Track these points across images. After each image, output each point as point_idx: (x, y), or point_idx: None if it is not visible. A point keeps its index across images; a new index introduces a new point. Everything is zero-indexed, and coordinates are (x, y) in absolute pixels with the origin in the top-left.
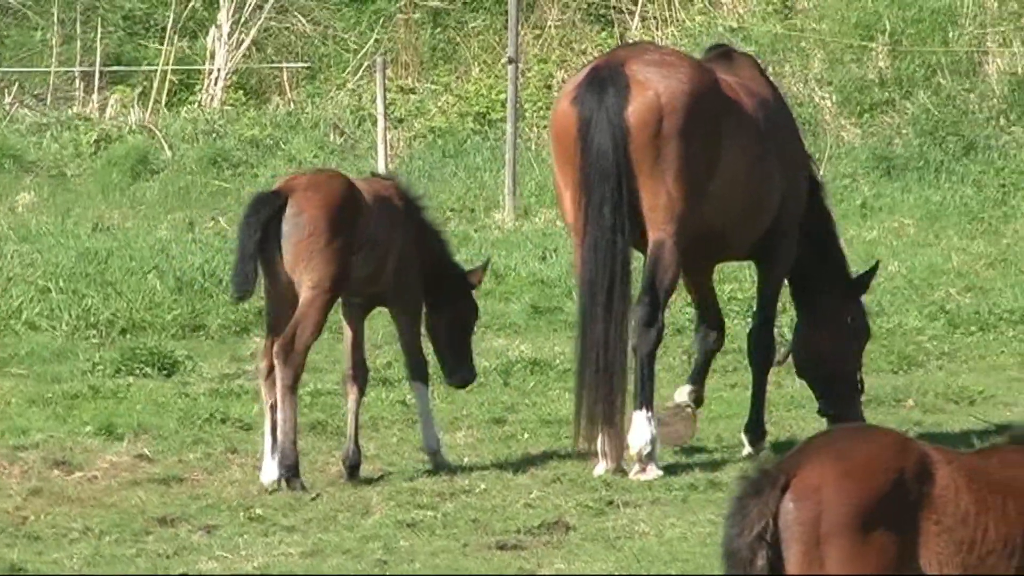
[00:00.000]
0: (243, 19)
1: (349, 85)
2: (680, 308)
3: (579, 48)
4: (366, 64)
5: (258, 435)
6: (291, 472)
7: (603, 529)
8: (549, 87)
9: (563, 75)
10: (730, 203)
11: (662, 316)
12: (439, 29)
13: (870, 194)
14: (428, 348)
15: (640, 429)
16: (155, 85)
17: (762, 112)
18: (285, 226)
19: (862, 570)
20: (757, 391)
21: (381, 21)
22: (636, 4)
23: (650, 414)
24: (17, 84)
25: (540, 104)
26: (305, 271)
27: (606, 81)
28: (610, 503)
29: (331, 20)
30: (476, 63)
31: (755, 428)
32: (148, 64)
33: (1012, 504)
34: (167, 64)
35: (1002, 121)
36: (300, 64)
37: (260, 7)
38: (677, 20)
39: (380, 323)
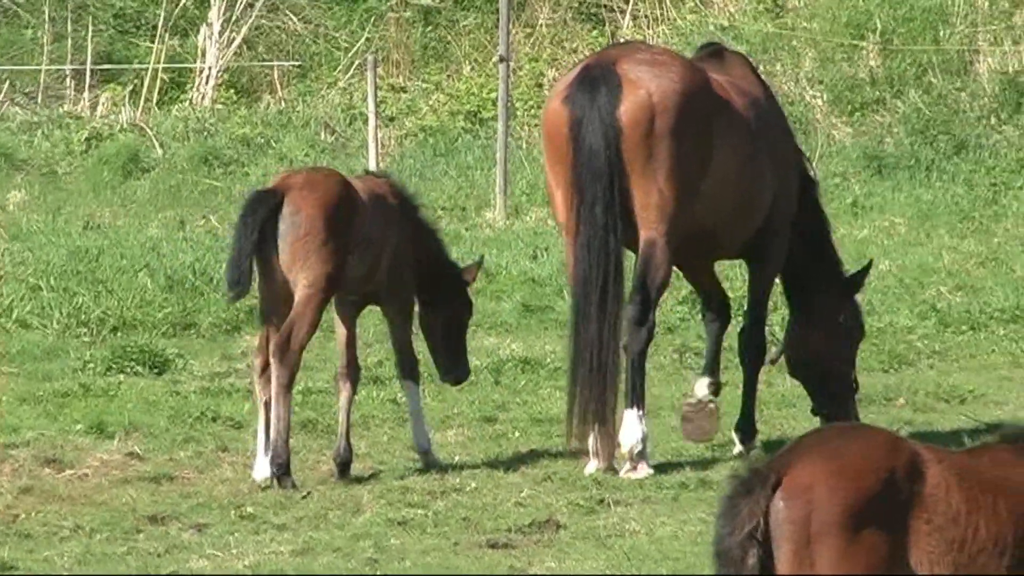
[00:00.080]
0: (234, 17)
1: (340, 84)
2: (671, 307)
3: (570, 47)
4: (357, 63)
5: (249, 433)
6: (282, 471)
7: (594, 528)
8: (540, 86)
9: (554, 74)
10: (722, 202)
11: (653, 315)
12: (430, 27)
13: (861, 193)
14: (420, 347)
15: (631, 427)
16: (146, 83)
17: (753, 111)
18: (282, 225)
19: (853, 569)
20: (748, 390)
21: (372, 19)
22: (627, 3)
23: (641, 412)
24: (8, 82)
25: (531, 103)
26: (301, 270)
27: (598, 80)
28: (601, 502)
29: (322, 18)
30: (467, 61)
31: (746, 427)
32: (139, 62)
33: (1003, 503)
34: (158, 62)
35: (993, 120)
36: (291, 63)
37: (251, 5)
38: (668, 19)
39: (371, 322)
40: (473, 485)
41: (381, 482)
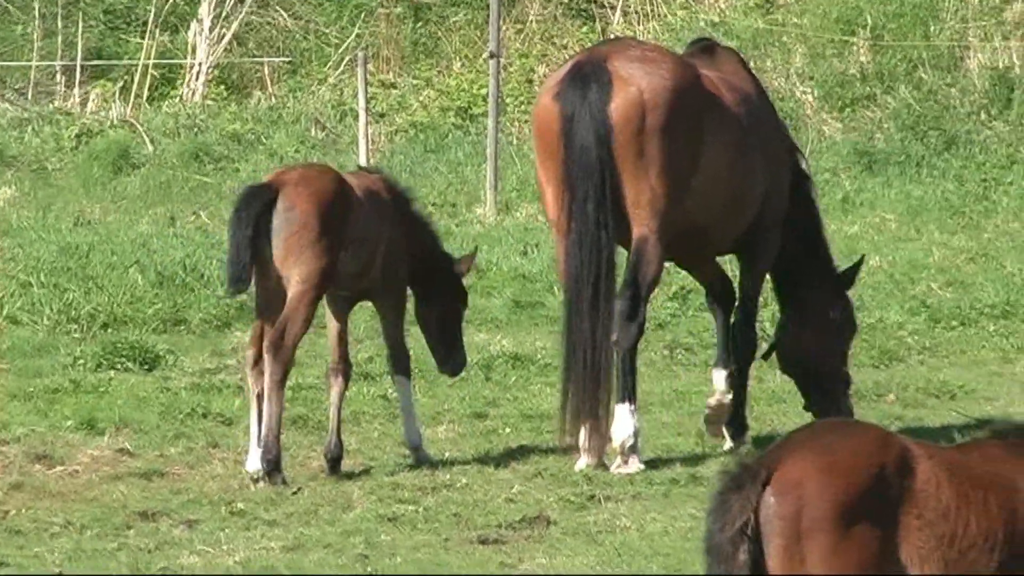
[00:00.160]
0: (224, 13)
1: (330, 80)
2: (661, 303)
3: (561, 43)
4: (347, 59)
5: (239, 429)
6: (273, 466)
7: (584, 523)
8: (531, 82)
9: (545, 70)
10: (713, 198)
11: (644, 311)
12: (420, 24)
13: (851, 189)
14: (412, 341)
15: (623, 422)
16: (136, 79)
17: (744, 107)
18: (276, 220)
19: (843, 564)
20: (738, 386)
21: (362, 15)
22: None
23: (633, 407)
24: None
25: (521, 99)
26: (294, 266)
27: (589, 77)
28: (591, 498)
29: (312, 15)
30: (457, 58)
31: (736, 423)
32: (129, 58)
33: (993, 498)
34: (148, 58)
35: (983, 116)
36: (281, 59)
37: (241, 1)
38: (659, 15)
39: (361, 317)
40: (464, 481)
41: (372, 478)
